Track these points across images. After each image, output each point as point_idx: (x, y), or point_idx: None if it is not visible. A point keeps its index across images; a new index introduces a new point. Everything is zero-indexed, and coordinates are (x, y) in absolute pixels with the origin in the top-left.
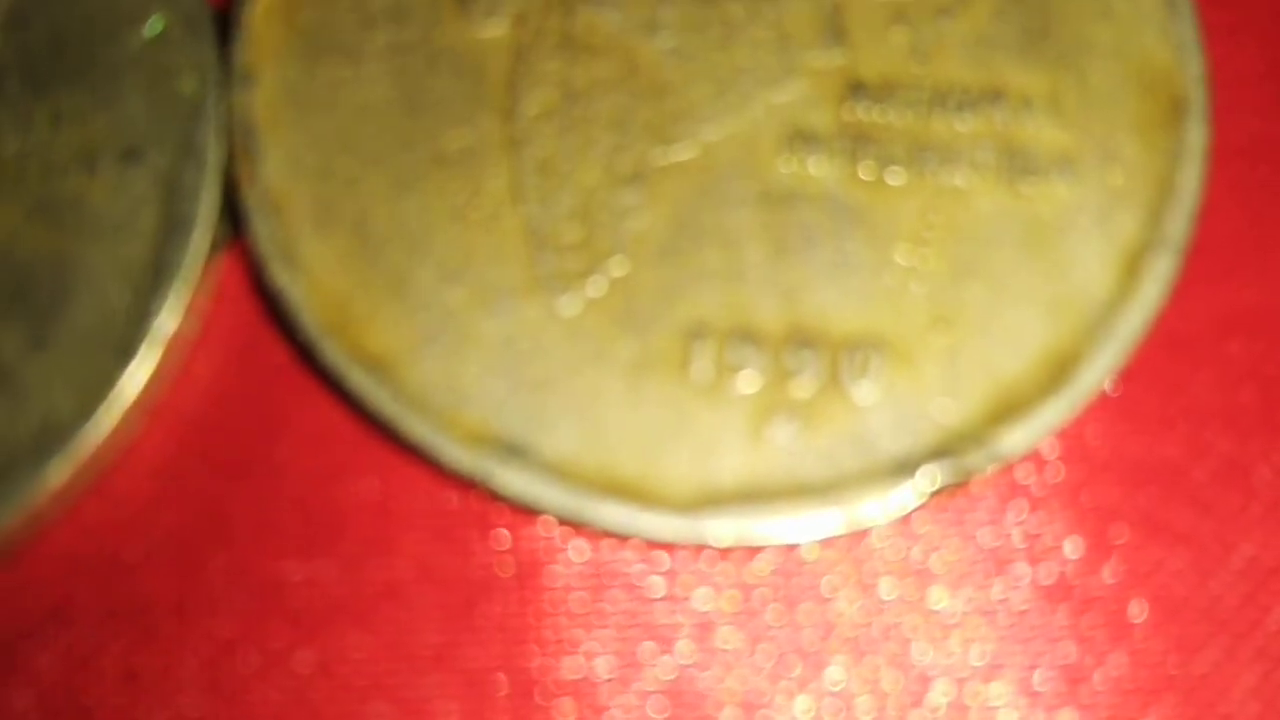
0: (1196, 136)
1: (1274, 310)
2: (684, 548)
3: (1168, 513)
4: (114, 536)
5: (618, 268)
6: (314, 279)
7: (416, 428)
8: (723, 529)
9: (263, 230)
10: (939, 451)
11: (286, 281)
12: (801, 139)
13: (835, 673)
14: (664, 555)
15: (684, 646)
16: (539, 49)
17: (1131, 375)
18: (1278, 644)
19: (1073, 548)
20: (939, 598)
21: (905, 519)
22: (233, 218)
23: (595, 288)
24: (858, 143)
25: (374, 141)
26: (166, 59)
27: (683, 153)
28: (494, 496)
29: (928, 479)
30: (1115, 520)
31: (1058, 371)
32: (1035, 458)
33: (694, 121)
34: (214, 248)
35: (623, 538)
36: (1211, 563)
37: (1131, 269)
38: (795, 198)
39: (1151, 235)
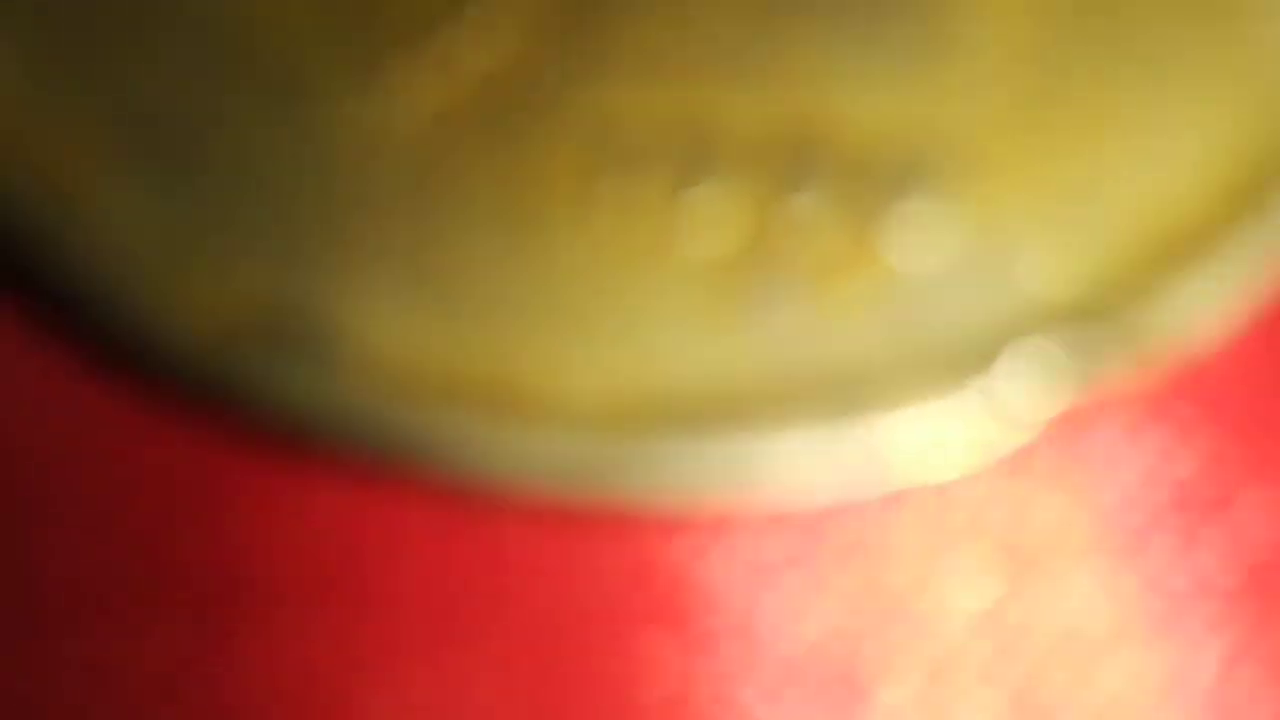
0: None
1: None
2: (590, 495)
3: None
4: None
5: (493, 40)
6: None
7: (118, 301)
8: (659, 461)
9: None
10: (1042, 329)
11: None
12: None
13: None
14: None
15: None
16: None
17: None
18: None
19: (1262, 500)
20: (1038, 587)
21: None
22: None
23: (454, 75)
24: None
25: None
26: None
27: None
28: (249, 418)
29: (1024, 377)
30: None
31: (1247, 200)
32: (1208, 344)
33: None
34: None
35: (483, 480)
36: None
37: None
38: None
39: None
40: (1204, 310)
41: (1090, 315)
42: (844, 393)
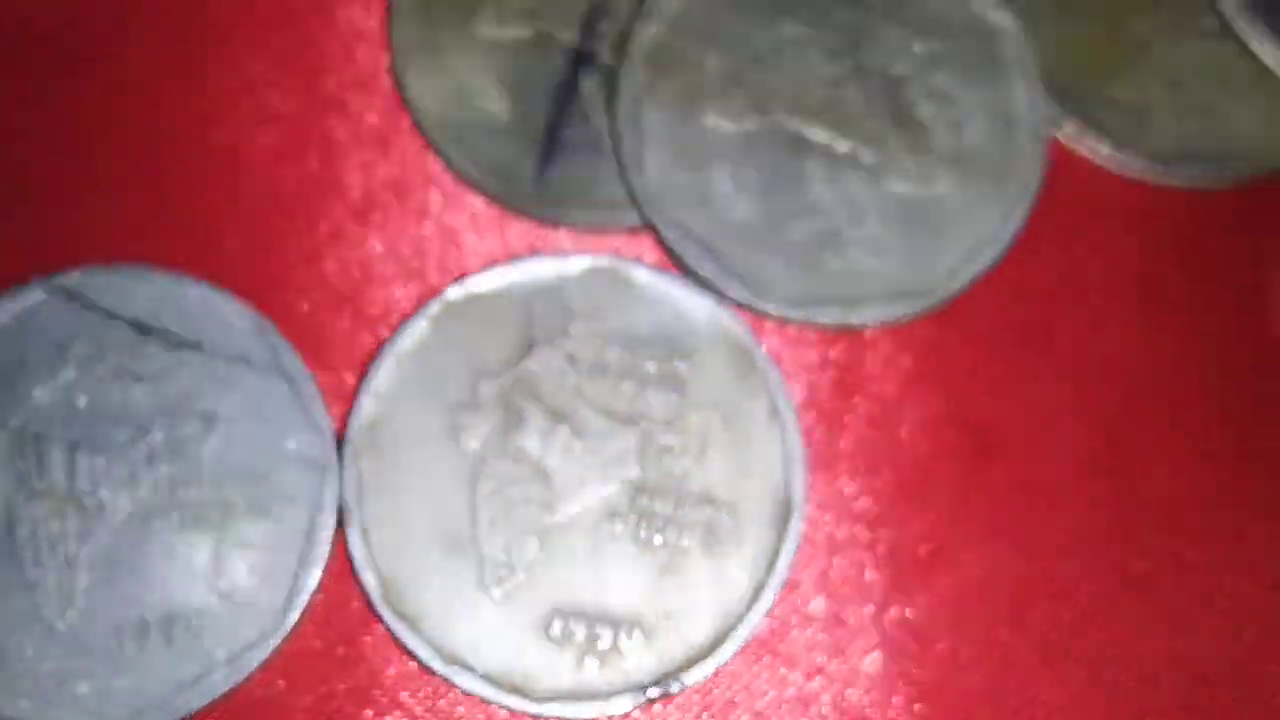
0: (795, 528)
1: None
2: None
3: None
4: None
5: (523, 572)
6: (385, 594)
7: (435, 664)
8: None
9: (358, 552)
10: (658, 679)
11: (371, 587)
12: (618, 512)
13: None
14: None
15: None
16: (492, 459)
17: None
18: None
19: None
20: None
21: (644, 709)
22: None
23: (514, 584)
24: (643, 516)
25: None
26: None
27: (559, 516)
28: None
29: (649, 693)
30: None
31: (723, 636)
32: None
33: (564, 498)
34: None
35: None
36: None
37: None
38: (614, 540)
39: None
40: (703, 677)
41: (671, 677)
42: (605, 694)
